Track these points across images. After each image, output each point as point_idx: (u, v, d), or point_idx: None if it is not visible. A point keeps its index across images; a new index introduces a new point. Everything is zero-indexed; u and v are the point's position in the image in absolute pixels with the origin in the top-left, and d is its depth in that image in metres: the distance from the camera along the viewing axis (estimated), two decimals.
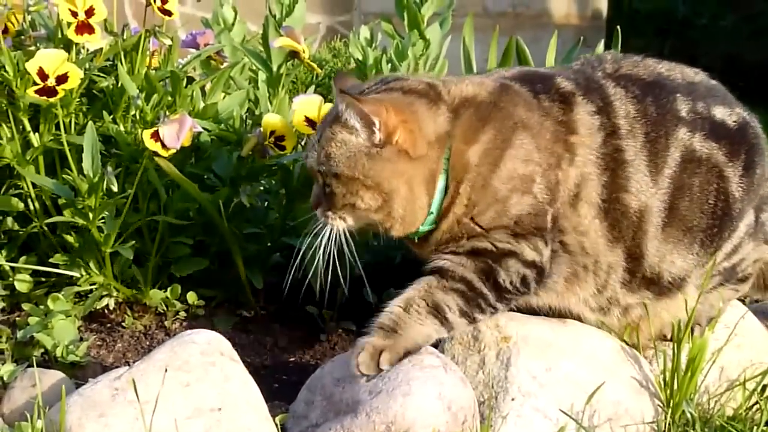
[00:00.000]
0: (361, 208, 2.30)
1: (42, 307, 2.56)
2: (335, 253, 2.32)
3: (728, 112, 2.48)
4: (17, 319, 2.57)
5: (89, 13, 2.54)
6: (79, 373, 2.39)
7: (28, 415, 2.06)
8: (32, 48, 2.68)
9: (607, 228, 2.35)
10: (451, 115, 2.33)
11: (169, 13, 2.69)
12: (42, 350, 2.46)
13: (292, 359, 2.62)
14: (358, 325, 2.70)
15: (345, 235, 2.32)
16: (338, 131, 2.30)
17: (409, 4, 3.26)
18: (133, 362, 2.47)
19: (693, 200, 2.39)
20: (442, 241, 2.34)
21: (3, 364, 2.32)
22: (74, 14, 2.53)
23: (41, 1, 2.75)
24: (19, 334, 2.45)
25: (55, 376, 2.26)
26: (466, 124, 2.33)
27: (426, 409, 2.11)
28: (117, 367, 2.47)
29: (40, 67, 2.44)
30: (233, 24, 3.19)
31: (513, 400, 2.27)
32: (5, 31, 2.67)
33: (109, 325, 2.65)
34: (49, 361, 2.40)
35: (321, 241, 2.31)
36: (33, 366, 2.27)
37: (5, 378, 2.27)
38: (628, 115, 2.38)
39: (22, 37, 2.73)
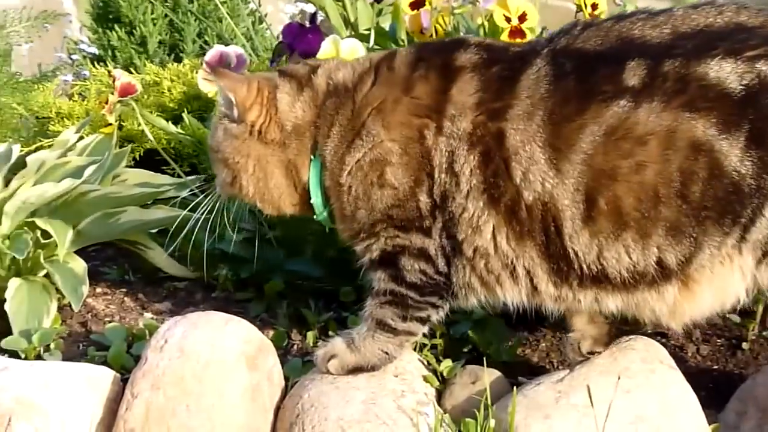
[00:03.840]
0: (219, 180, 2.53)
1: None
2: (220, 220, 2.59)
3: (741, 70, 2.15)
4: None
5: (522, 18, 2.76)
6: (507, 370, 2.60)
7: (476, 412, 2.30)
8: None
9: (506, 223, 2.24)
10: (314, 104, 2.41)
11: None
12: (470, 347, 2.70)
13: (715, 368, 2.72)
14: None
15: (225, 204, 2.56)
16: (218, 105, 2.52)
17: None
18: (558, 363, 2.68)
19: (634, 184, 2.16)
20: (353, 235, 2.42)
21: (439, 361, 2.57)
22: (508, 20, 2.76)
23: (465, 3, 3.00)
24: (452, 330, 2.71)
25: (493, 374, 2.48)
26: (324, 115, 2.40)
27: None
28: (541, 366, 2.69)
29: None
30: None
31: None
32: (436, 32, 2.93)
33: (532, 324, 2.85)
34: (478, 358, 2.63)
35: (204, 206, 2.56)
36: (467, 363, 2.54)
37: (445, 373, 2.53)
38: (533, 95, 2.22)
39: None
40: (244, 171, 2.46)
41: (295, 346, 2.78)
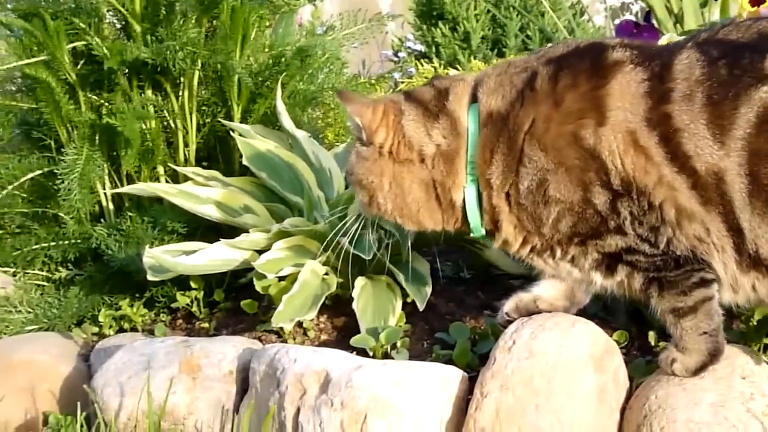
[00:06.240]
0: (358, 201, 2.68)
1: None
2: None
3: None
4: None
5: None
6: None
7: None
8: None
9: (692, 186, 2.33)
10: (456, 131, 2.51)
11: None
12: None
13: None
14: None
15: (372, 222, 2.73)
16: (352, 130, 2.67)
17: None
18: None
19: None
20: (546, 247, 2.50)
21: None
22: None
23: None
24: None
25: None
26: (480, 141, 2.48)
27: None
28: None
29: None
30: None
31: None
32: None
33: None
34: None
35: (351, 225, 2.75)
36: None
37: None
38: (689, 78, 2.33)
39: None
40: (379, 190, 2.59)
41: (635, 344, 2.80)
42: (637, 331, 2.83)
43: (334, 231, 2.84)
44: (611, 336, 2.62)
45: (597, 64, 2.43)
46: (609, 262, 2.47)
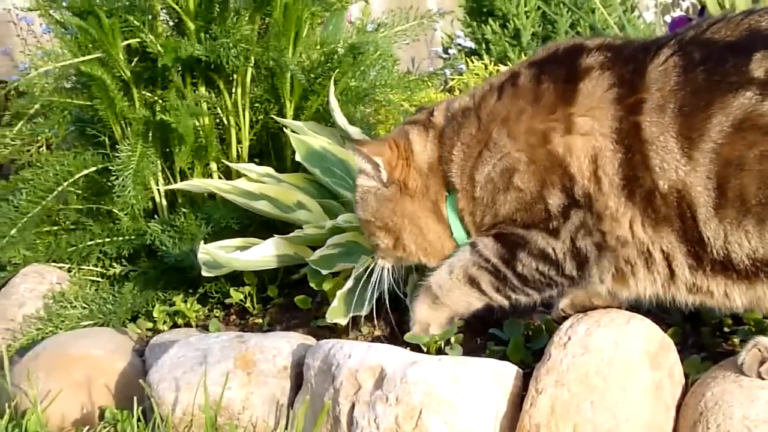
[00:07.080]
0: (382, 247, 2.68)
1: None
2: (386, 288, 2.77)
3: None
4: None
5: None
6: None
7: None
8: None
9: (641, 211, 2.34)
10: (436, 140, 2.57)
11: None
12: None
13: None
14: None
15: (392, 271, 2.74)
16: (358, 177, 2.67)
17: None
18: None
19: (755, 172, 2.22)
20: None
21: None
22: None
23: None
24: None
25: None
26: (446, 143, 2.54)
27: None
28: None
29: None
30: None
31: None
32: None
33: None
34: None
35: (371, 279, 2.74)
36: None
37: None
38: (663, 88, 2.30)
39: None
40: (404, 230, 2.63)
41: (690, 341, 2.78)
42: (692, 328, 2.82)
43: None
44: (666, 333, 2.61)
45: (571, 70, 2.44)
46: (495, 236, 2.51)
